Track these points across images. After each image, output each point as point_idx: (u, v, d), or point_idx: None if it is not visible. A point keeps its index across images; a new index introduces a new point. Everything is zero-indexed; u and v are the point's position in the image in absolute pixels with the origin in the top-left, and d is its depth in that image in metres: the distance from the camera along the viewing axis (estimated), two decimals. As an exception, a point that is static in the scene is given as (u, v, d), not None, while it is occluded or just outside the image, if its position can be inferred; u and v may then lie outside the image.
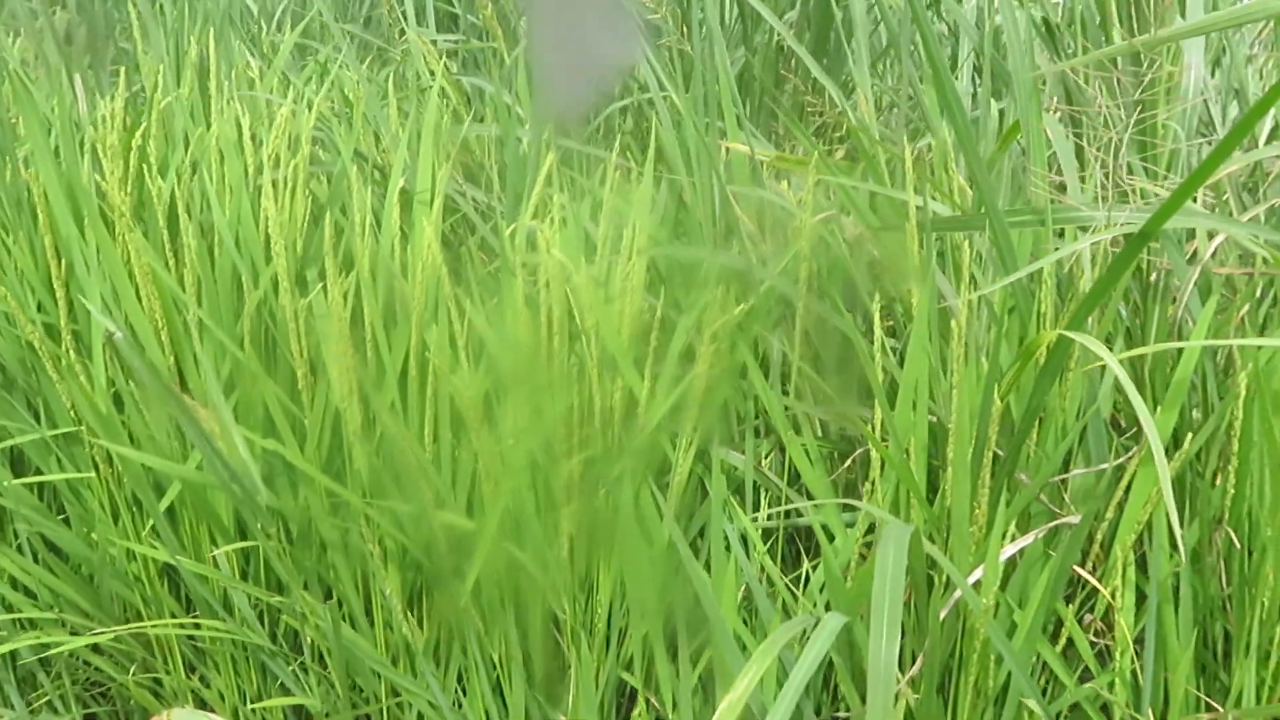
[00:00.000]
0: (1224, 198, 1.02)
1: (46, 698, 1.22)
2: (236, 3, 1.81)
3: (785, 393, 1.03)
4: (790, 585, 0.93)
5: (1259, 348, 0.77)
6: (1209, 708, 0.79)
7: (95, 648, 1.16)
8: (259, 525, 0.90)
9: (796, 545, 1.10)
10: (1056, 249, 0.80)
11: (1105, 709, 0.81)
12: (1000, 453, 0.83)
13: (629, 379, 0.96)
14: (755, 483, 1.02)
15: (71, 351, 1.03)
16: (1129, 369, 0.93)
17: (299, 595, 0.93)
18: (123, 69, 1.17)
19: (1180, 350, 0.86)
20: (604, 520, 0.95)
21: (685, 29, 1.44)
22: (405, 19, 1.76)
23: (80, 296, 1.05)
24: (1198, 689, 0.80)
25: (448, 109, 1.50)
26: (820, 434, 1.03)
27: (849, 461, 0.96)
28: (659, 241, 1.12)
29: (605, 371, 0.97)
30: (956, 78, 1.27)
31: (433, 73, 1.60)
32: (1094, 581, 0.78)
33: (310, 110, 1.14)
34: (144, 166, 1.05)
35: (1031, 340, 0.73)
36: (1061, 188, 0.83)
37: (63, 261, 1.07)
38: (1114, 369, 0.63)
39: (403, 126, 1.37)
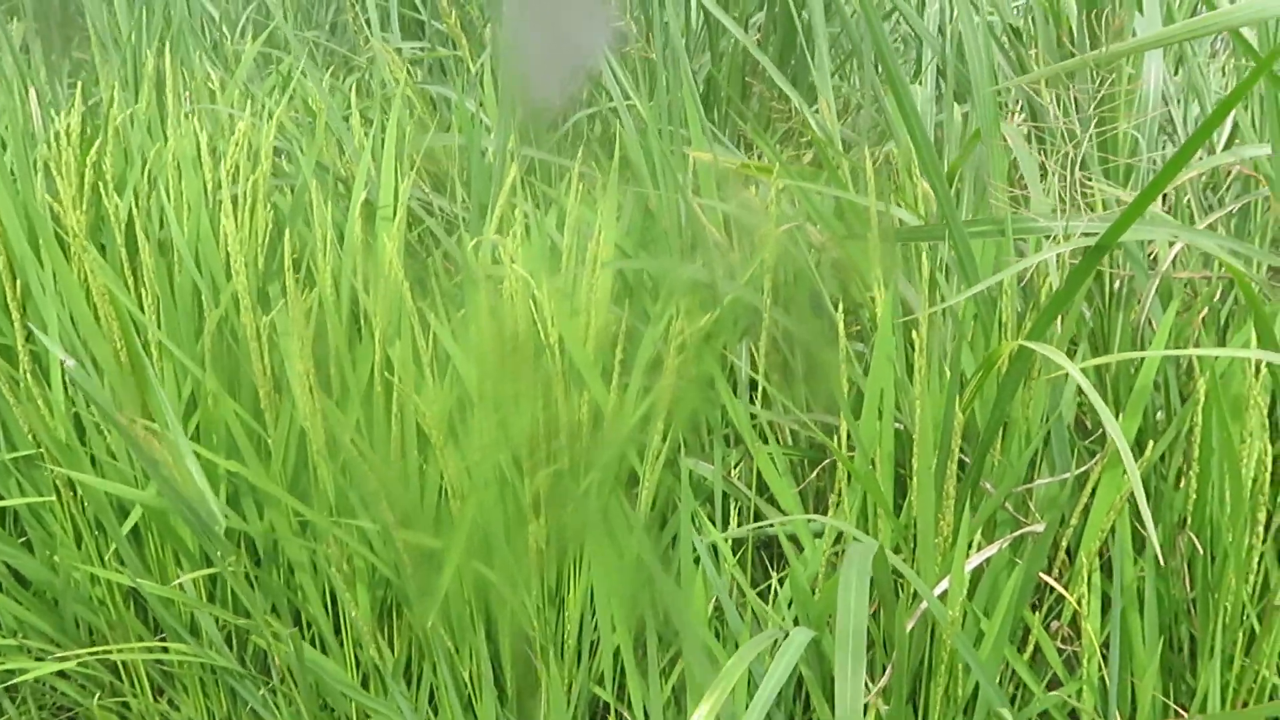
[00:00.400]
0: (1185, 199, 1.03)
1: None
2: (197, 9, 1.78)
3: (754, 401, 1.03)
4: (760, 596, 0.92)
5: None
6: (1176, 712, 0.79)
7: (61, 673, 1.14)
8: (219, 554, 0.88)
9: (770, 552, 1.09)
10: (1020, 256, 0.80)
11: (1074, 715, 0.81)
12: (966, 459, 0.84)
13: (595, 392, 0.96)
14: (725, 492, 1.02)
15: (29, 375, 1.01)
16: (1093, 375, 0.94)
17: (262, 621, 0.92)
18: (79, 83, 1.15)
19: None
20: (573, 534, 0.95)
21: (650, 36, 1.43)
22: (370, 26, 1.75)
23: (36, 319, 1.03)
24: (1164, 693, 0.80)
25: (413, 118, 1.49)
26: (790, 442, 1.03)
27: (818, 469, 0.96)
28: (625, 252, 1.12)
29: (571, 385, 0.96)
30: (921, 82, 1.27)
31: (397, 80, 1.59)
32: (1060, 589, 0.78)
33: (271, 122, 1.13)
34: (100, 184, 1.03)
35: (993, 351, 0.73)
36: (1024, 197, 0.83)
37: (18, 281, 1.05)
38: (1077, 379, 0.63)
39: (366, 137, 1.36)
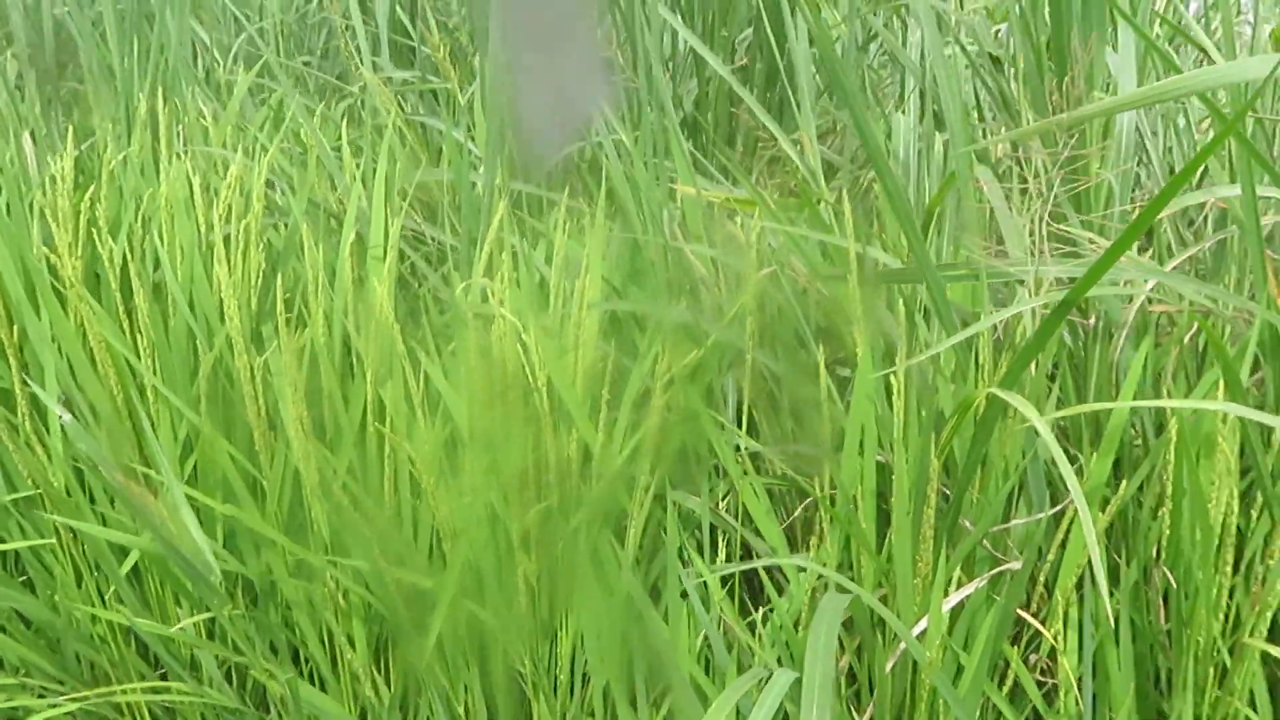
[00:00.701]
0: (1162, 229, 1.05)
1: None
2: (188, 36, 1.80)
3: (747, 434, 1.04)
4: (748, 629, 0.94)
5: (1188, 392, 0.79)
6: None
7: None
8: (215, 603, 0.90)
9: (758, 581, 1.11)
10: (996, 299, 0.82)
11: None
12: (948, 492, 0.85)
13: (583, 432, 0.97)
14: (712, 525, 1.03)
15: (27, 420, 1.03)
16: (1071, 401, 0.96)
17: (258, 661, 0.94)
18: (70, 126, 1.17)
19: (1117, 387, 0.89)
20: (563, 571, 0.96)
21: (636, 65, 1.45)
22: (360, 53, 1.76)
23: (34, 363, 1.05)
24: (1140, 724, 0.82)
25: (405, 148, 1.50)
26: (778, 474, 1.04)
27: (805, 503, 0.98)
28: (613, 286, 1.14)
29: (561, 424, 0.98)
30: (903, 110, 1.28)
31: (388, 111, 1.61)
32: (1037, 625, 0.80)
33: (263, 161, 1.15)
34: (93, 231, 1.05)
35: (966, 397, 0.74)
36: (1000, 240, 0.84)
37: (14, 326, 1.07)
38: (1041, 432, 0.64)
39: (358, 169, 1.38)
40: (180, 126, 1.40)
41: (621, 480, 0.98)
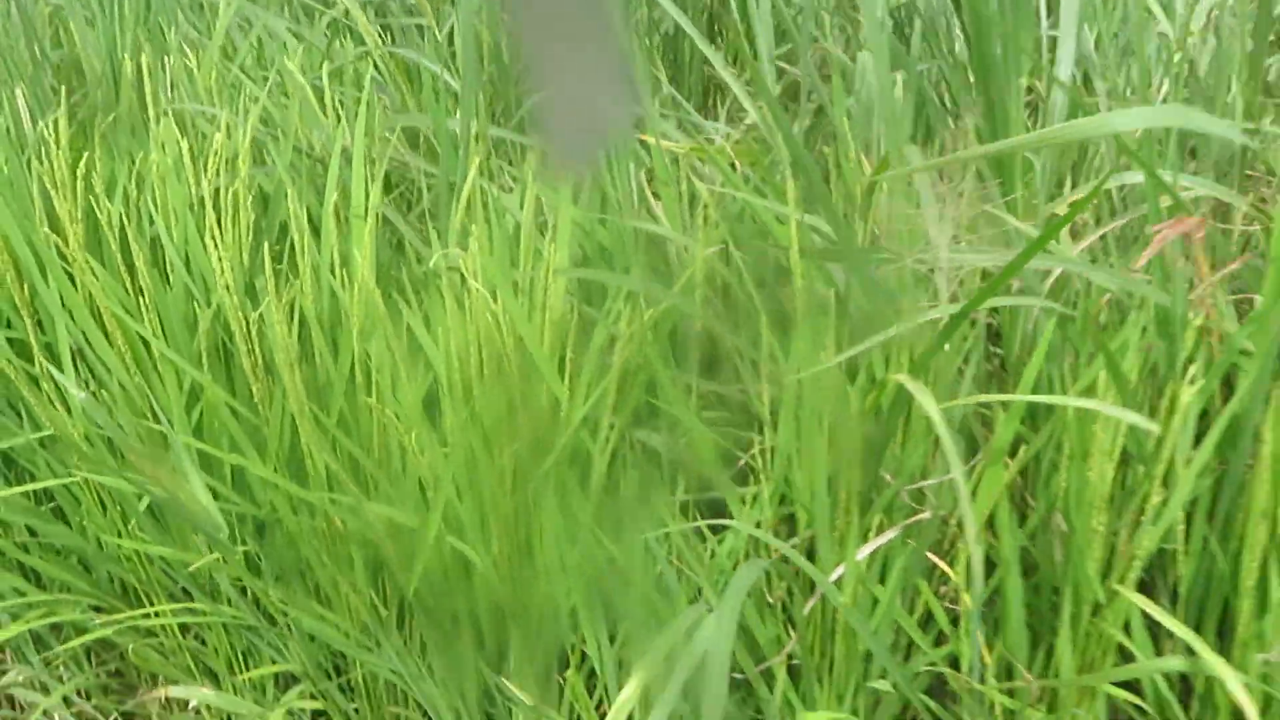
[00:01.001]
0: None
1: (60, 659, 1.37)
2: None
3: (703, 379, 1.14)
4: (702, 560, 1.06)
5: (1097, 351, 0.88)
6: (1044, 663, 0.94)
7: (98, 608, 1.30)
8: (224, 550, 1.02)
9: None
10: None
11: (956, 665, 0.96)
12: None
13: (552, 384, 1.07)
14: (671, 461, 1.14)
15: (47, 381, 1.13)
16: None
17: (266, 585, 1.07)
18: (63, 88, 1.22)
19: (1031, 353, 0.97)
20: (534, 510, 1.08)
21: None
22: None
23: (46, 321, 1.14)
24: (1033, 648, 0.94)
25: (385, 79, 1.55)
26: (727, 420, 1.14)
27: (750, 452, 1.08)
28: (583, 227, 1.21)
29: (531, 376, 1.08)
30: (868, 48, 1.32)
31: (368, 34, 1.64)
32: (939, 562, 0.92)
33: (249, 121, 1.20)
34: (91, 198, 1.12)
35: (881, 380, 0.83)
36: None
37: (24, 285, 1.16)
38: (935, 422, 0.74)
39: (340, 121, 1.43)
40: (166, 70, 1.45)
41: (586, 426, 1.09)
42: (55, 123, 1.18)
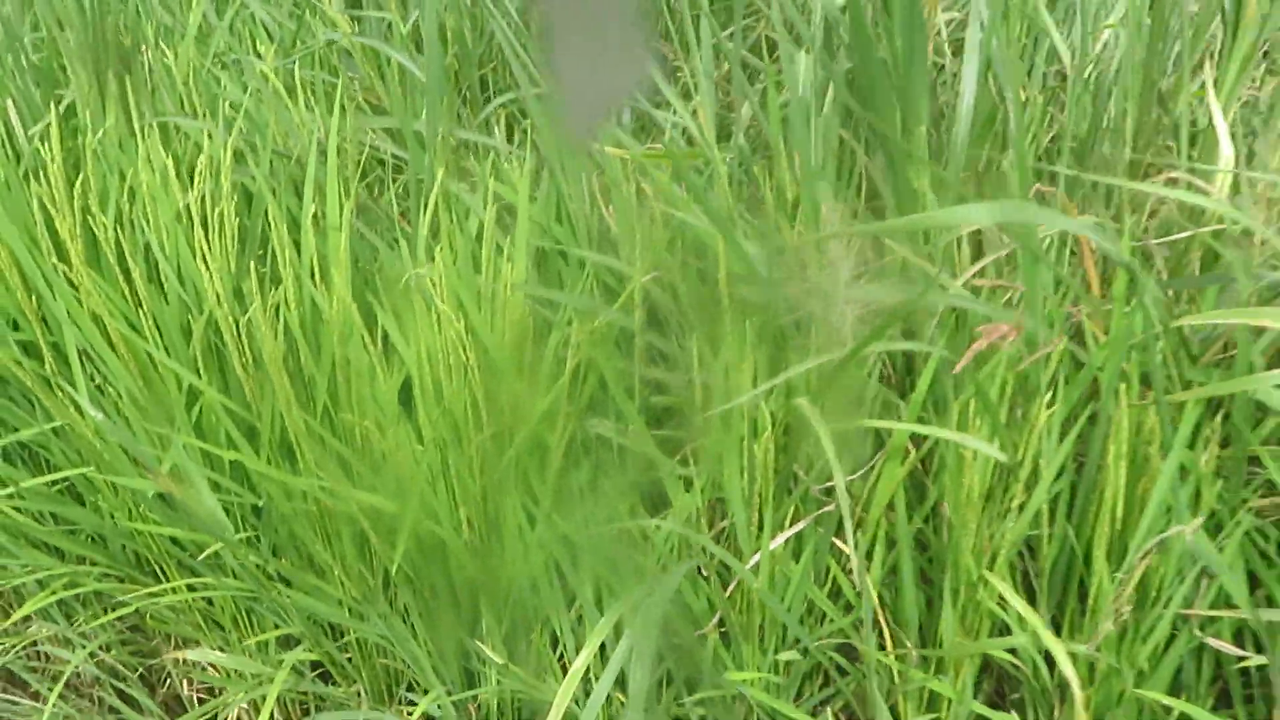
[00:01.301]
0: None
1: (81, 621, 1.53)
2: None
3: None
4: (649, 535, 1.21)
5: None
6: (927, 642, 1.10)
7: (118, 579, 1.46)
8: (228, 545, 1.17)
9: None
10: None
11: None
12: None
13: (511, 384, 1.20)
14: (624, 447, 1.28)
15: (57, 382, 1.25)
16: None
17: (265, 559, 1.21)
18: (53, 102, 1.31)
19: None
20: (501, 494, 1.22)
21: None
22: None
23: (53, 325, 1.26)
24: (923, 617, 1.10)
25: (352, 97, 1.63)
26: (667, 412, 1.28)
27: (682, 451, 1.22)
28: (541, 235, 1.33)
29: (492, 375, 1.21)
30: (807, 49, 1.41)
31: (337, 27, 1.71)
32: (842, 545, 1.07)
33: (229, 142, 1.30)
34: (88, 216, 1.23)
35: (788, 404, 0.97)
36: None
37: (33, 296, 1.27)
38: (826, 447, 0.88)
39: (313, 107, 1.52)
40: (146, 78, 1.53)
41: (544, 420, 1.22)
42: (49, 138, 1.27)
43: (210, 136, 1.27)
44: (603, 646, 1.06)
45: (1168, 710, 0.98)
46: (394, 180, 1.65)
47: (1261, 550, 1.02)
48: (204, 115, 1.53)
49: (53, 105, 1.31)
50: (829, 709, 1.15)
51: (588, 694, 1.08)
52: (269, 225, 1.32)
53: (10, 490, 1.25)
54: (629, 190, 1.33)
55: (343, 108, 1.41)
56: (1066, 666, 0.87)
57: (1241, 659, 0.97)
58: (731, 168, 1.29)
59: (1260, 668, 0.99)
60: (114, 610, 1.47)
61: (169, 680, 1.56)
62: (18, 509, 1.33)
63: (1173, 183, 1.03)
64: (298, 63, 1.69)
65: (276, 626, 1.32)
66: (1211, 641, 0.98)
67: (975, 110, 1.16)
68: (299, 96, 1.54)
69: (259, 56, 1.74)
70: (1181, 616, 0.99)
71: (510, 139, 1.64)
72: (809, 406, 0.91)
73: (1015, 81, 1.03)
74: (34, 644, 1.55)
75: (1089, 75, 1.22)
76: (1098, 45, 1.23)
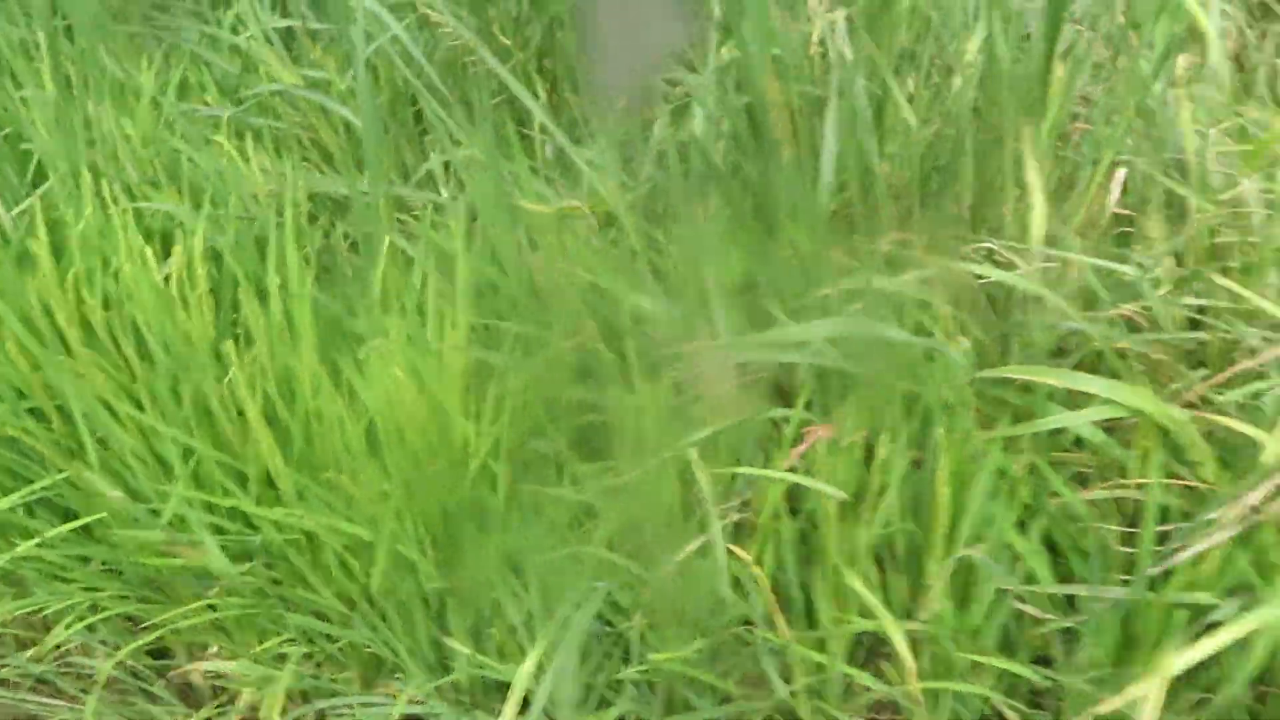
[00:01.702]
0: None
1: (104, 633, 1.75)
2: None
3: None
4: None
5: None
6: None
7: (138, 600, 1.68)
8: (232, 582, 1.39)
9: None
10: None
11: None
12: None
13: (459, 426, 1.42)
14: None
15: (68, 449, 1.45)
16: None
17: (263, 573, 1.44)
18: (38, 198, 1.49)
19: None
20: (458, 518, 1.45)
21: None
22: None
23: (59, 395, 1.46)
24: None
25: (298, 152, 1.80)
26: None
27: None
28: (479, 287, 1.54)
29: (442, 419, 1.43)
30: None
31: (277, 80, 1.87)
32: (737, 550, 1.32)
33: (199, 225, 1.48)
34: (79, 303, 1.41)
35: (676, 453, 1.20)
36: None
37: (38, 374, 1.46)
38: (703, 488, 1.11)
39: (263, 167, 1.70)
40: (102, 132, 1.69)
41: (491, 454, 1.45)
42: (36, 228, 1.45)
43: (183, 225, 1.45)
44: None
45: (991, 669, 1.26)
46: (343, 218, 1.84)
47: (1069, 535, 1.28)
48: (166, 179, 1.70)
49: (37, 201, 1.48)
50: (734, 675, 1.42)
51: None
52: (238, 288, 1.51)
53: (38, 540, 1.47)
54: (553, 241, 1.54)
55: (294, 166, 1.59)
56: (901, 645, 1.13)
57: (1048, 621, 1.24)
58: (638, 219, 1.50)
59: (1067, 630, 1.26)
60: (134, 625, 1.70)
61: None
62: (41, 553, 1.54)
63: (988, 252, 1.26)
64: (246, 109, 1.85)
65: (277, 634, 1.56)
66: (1026, 608, 1.24)
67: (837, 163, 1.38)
68: (248, 143, 1.71)
69: (207, 104, 1.91)
70: (1002, 590, 1.25)
71: (447, 181, 1.82)
72: (695, 460, 1.14)
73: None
74: (65, 652, 1.77)
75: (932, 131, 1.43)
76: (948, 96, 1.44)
